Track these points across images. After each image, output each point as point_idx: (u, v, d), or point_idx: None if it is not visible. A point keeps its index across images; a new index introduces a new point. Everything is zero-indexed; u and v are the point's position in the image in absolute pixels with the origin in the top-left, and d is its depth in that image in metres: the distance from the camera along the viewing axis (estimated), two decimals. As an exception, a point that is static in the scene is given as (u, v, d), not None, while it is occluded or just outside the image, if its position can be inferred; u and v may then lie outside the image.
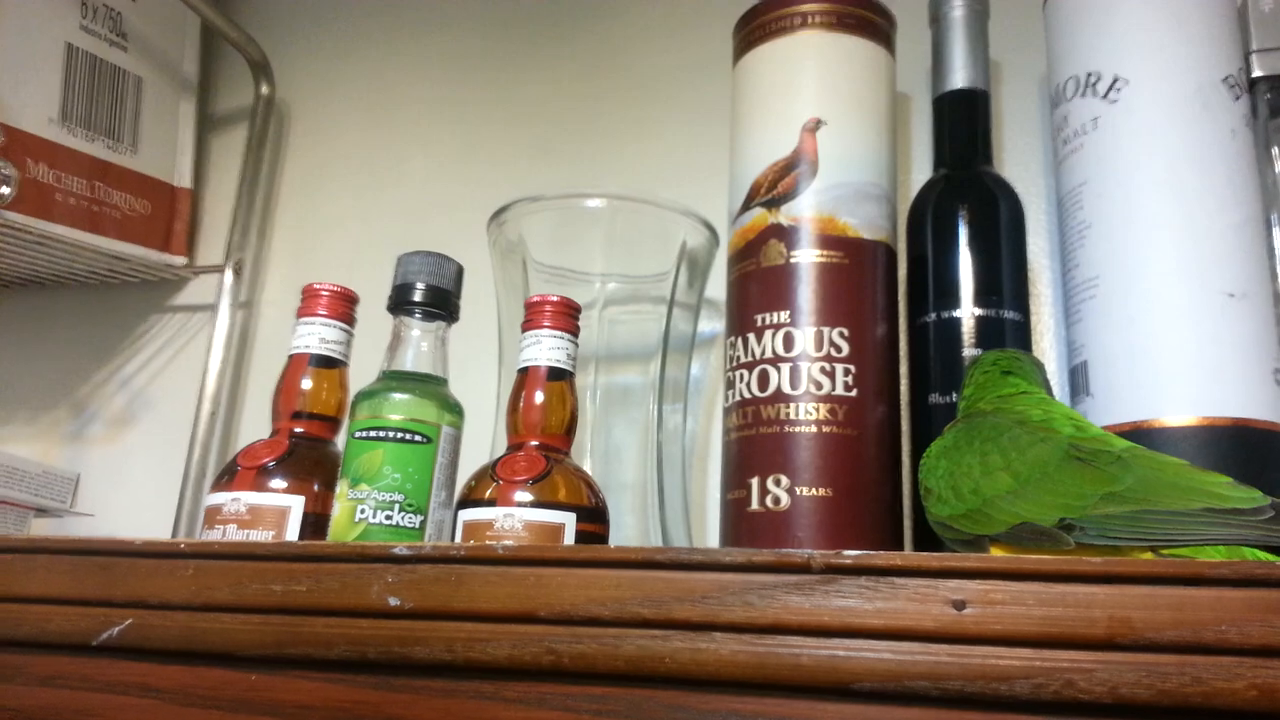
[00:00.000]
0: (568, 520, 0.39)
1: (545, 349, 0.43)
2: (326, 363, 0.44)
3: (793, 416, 0.59)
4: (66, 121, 0.81)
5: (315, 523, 0.41)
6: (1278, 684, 0.26)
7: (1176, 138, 0.57)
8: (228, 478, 0.41)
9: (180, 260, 0.90)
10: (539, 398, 0.43)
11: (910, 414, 0.63)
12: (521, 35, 0.90)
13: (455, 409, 0.42)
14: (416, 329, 0.43)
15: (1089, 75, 0.61)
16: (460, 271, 0.45)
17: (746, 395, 0.61)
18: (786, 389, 0.60)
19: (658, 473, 0.66)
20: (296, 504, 0.40)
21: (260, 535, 0.39)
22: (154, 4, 0.88)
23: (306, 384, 0.43)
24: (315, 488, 0.41)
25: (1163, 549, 0.36)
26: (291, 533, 0.40)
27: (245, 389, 0.88)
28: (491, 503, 0.40)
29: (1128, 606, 0.28)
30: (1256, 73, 0.64)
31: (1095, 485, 0.37)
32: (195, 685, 0.35)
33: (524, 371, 0.44)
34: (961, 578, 0.29)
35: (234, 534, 0.39)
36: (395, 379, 0.42)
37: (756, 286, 0.63)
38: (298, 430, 0.43)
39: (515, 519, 0.39)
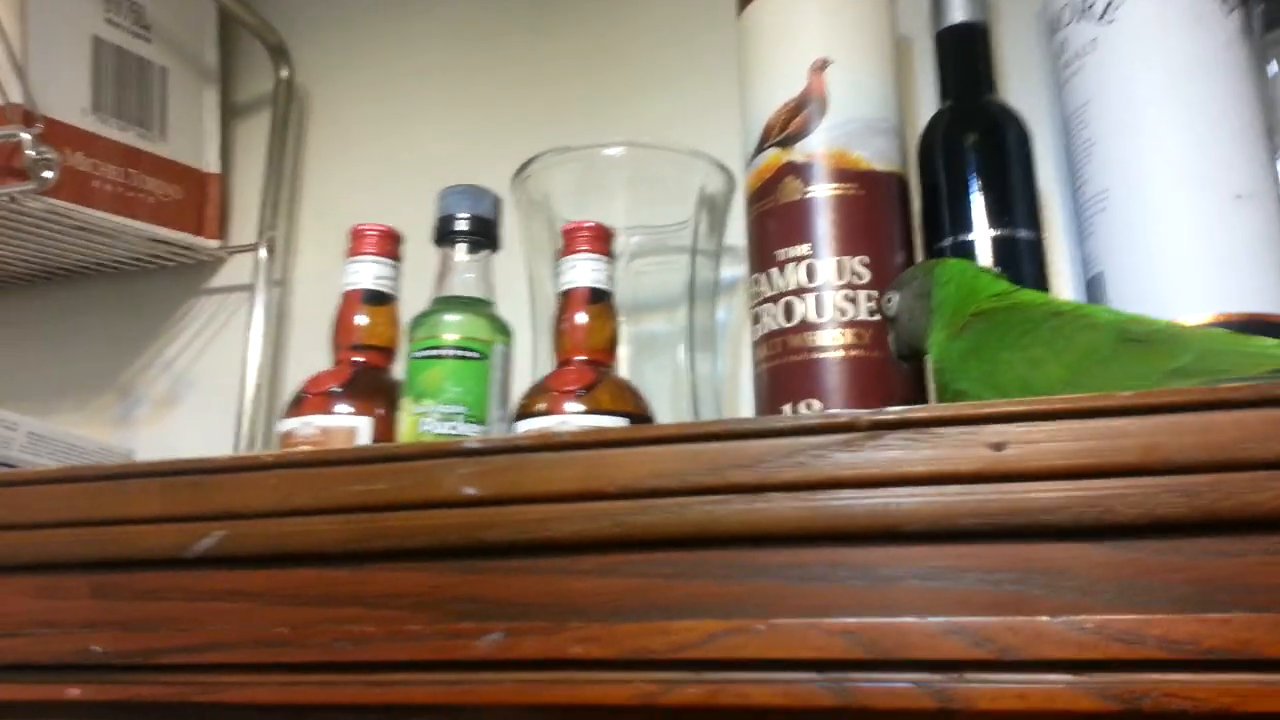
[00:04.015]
0: (620, 424, 0.42)
1: (585, 271, 0.46)
2: (378, 298, 0.47)
3: (820, 344, 0.61)
4: (98, 111, 0.84)
5: (381, 440, 0.43)
6: (1300, 493, 0.28)
7: (1174, 50, 0.58)
8: (297, 404, 0.44)
9: (214, 243, 0.93)
10: (584, 317, 0.45)
11: (934, 336, 0.64)
12: None
13: (505, 329, 0.44)
14: (464, 257, 0.45)
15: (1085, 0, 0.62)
16: (498, 201, 0.47)
17: (774, 327, 0.63)
18: (812, 318, 0.62)
19: (694, 416, 0.68)
20: (364, 424, 0.42)
21: (333, 455, 0.42)
22: (172, -5, 0.91)
23: (362, 319, 0.46)
24: (378, 410, 0.44)
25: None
26: (362, 451, 0.42)
27: (286, 362, 0.91)
28: (546, 413, 0.42)
29: (1157, 434, 0.30)
30: (1249, -16, 0.65)
31: (1158, 363, 0.37)
32: (284, 586, 0.38)
33: (566, 294, 0.46)
34: (999, 422, 0.31)
35: (309, 454, 0.42)
36: (447, 303, 0.44)
37: (775, 223, 0.65)
38: (356, 359, 0.46)
39: (569, 426, 0.41)
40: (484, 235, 0.45)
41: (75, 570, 0.41)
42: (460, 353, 0.41)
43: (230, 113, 0.99)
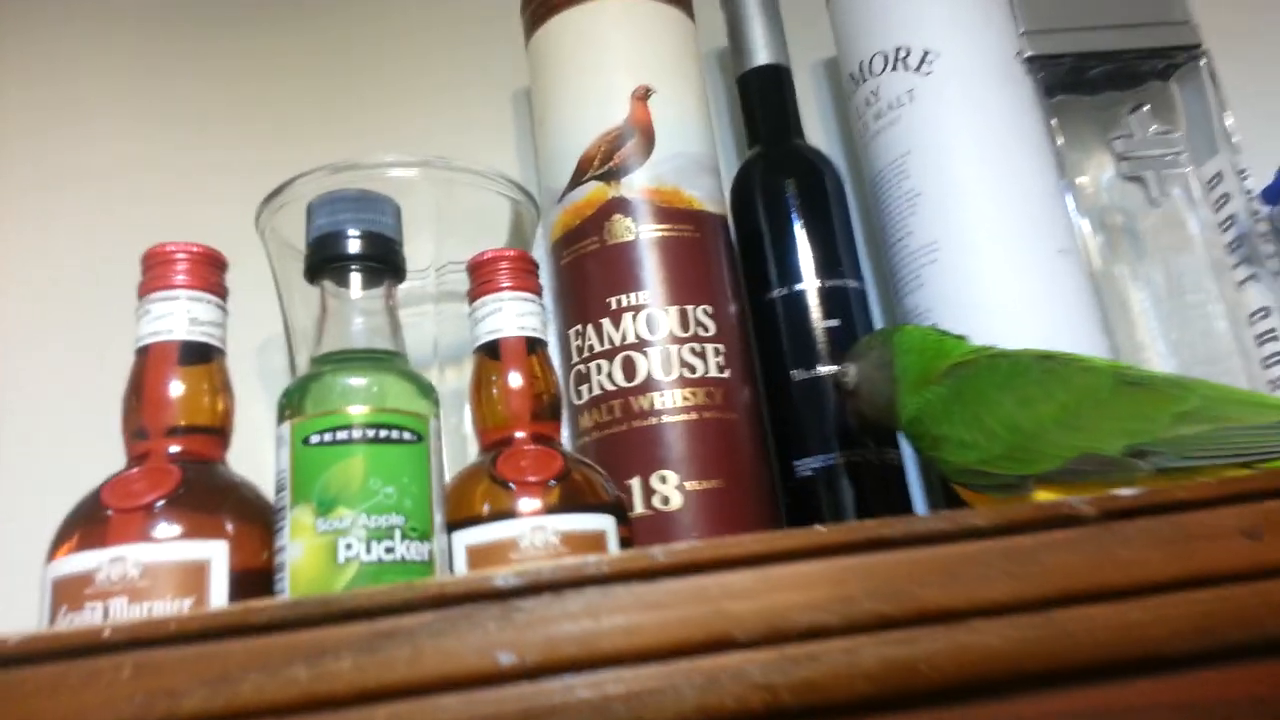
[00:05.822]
0: (608, 525, 0.29)
1: (512, 315, 0.33)
2: (199, 354, 0.30)
3: (669, 405, 0.54)
4: None
5: (243, 579, 0.27)
6: None
7: (989, 105, 0.59)
8: (91, 529, 0.25)
9: None
10: (520, 379, 0.32)
11: (767, 393, 0.59)
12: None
13: (433, 393, 0.30)
14: (360, 293, 0.30)
15: (899, 50, 0.61)
16: (399, 212, 0.32)
17: (610, 387, 0.54)
18: (658, 375, 0.54)
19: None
20: (218, 552, 0.26)
21: (169, 606, 0.25)
22: None
23: (178, 387, 0.29)
24: (228, 527, 0.27)
25: (1256, 464, 0.34)
26: (217, 595, 0.26)
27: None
28: (504, 515, 0.29)
29: None
30: (1028, 53, 0.67)
31: (1162, 407, 0.35)
32: None
33: (491, 347, 0.33)
34: (1252, 500, 0.24)
35: (126, 611, 0.24)
36: (347, 361, 0.28)
37: (600, 267, 0.57)
38: (174, 450, 0.29)
39: (548, 531, 0.28)
40: (384, 261, 0.30)
41: None
42: (387, 433, 0.26)
43: None
